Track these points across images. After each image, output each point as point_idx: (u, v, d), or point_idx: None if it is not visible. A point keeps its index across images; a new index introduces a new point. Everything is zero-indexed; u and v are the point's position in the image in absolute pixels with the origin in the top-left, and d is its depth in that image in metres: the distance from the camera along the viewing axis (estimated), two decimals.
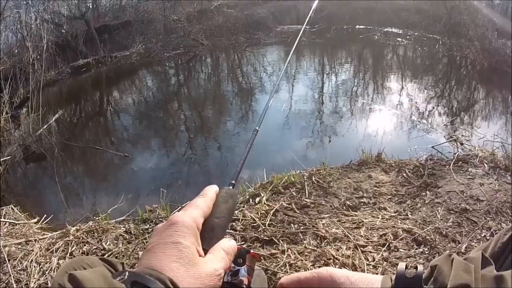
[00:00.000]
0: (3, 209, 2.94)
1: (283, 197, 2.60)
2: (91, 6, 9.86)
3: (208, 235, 0.54)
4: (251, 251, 0.62)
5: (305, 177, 2.83)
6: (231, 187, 0.65)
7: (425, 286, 0.45)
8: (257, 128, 0.90)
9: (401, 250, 2.02)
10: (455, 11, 9.21)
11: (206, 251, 0.52)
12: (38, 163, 4.63)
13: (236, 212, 2.41)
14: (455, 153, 3.26)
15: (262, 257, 1.96)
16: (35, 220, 2.88)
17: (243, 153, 0.77)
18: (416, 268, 0.48)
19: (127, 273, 0.45)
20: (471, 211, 2.35)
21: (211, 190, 0.60)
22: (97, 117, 6.57)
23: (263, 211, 2.41)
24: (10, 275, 2.04)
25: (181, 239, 0.49)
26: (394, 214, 2.38)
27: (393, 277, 0.48)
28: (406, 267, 0.48)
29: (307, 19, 1.84)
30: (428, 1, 10.65)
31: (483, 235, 2.15)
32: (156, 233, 0.51)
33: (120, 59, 8.78)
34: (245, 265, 0.58)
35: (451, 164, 2.96)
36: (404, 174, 2.91)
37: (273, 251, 2.04)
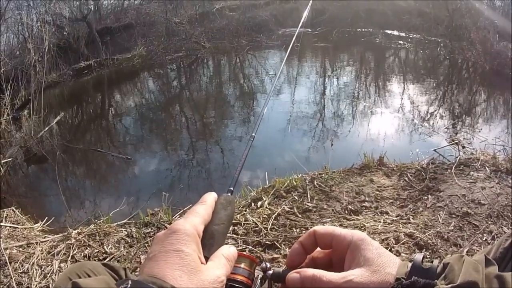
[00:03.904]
0: (4, 211, 2.94)
1: (285, 201, 2.60)
2: (93, 8, 9.88)
3: (209, 242, 0.55)
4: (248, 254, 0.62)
5: (307, 181, 2.83)
6: (229, 194, 0.66)
7: (436, 281, 0.47)
8: (253, 134, 0.90)
9: (403, 254, 2.02)
10: (457, 13, 9.22)
11: (206, 258, 0.52)
12: (39, 165, 4.63)
13: (238, 216, 2.41)
14: (457, 157, 3.26)
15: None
16: (37, 223, 2.88)
17: (240, 159, 0.77)
18: (432, 262, 0.50)
19: (130, 282, 0.45)
20: (472, 215, 2.35)
21: (210, 197, 0.60)
22: (99, 119, 6.57)
23: (265, 215, 2.41)
24: (11, 278, 2.04)
25: (183, 247, 0.49)
26: (396, 218, 2.38)
27: (409, 265, 0.50)
28: (423, 259, 0.50)
29: (301, 21, 1.83)
30: (430, 1, 10.66)
31: (484, 239, 2.15)
32: (157, 241, 0.51)
33: (122, 62, 8.78)
34: (245, 269, 0.58)
35: (453, 168, 2.96)
36: (406, 178, 2.91)
37: (275, 256, 2.04)
